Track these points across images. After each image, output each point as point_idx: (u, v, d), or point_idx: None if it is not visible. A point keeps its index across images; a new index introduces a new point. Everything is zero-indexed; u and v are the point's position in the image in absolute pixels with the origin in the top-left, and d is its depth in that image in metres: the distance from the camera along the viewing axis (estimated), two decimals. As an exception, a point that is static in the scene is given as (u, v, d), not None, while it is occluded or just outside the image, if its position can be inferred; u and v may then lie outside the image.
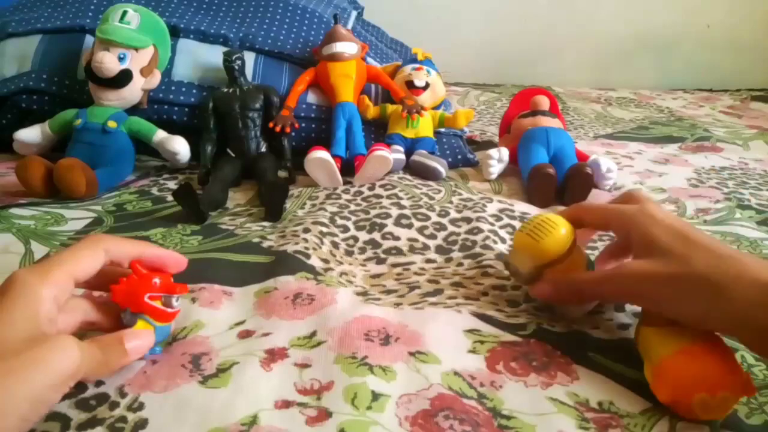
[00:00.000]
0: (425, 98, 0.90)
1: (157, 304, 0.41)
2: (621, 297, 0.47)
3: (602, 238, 0.66)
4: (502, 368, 0.41)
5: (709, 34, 1.82)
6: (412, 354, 0.42)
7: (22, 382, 0.31)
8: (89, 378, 0.38)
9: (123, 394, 0.38)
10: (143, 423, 0.35)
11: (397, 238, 0.63)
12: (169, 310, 0.42)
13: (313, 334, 0.44)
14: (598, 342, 0.46)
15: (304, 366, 0.41)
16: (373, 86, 0.94)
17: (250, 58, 0.89)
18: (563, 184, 0.75)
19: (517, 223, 0.67)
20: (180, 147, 0.80)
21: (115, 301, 0.41)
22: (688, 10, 1.80)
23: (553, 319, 0.49)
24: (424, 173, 0.82)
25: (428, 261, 0.60)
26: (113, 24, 0.79)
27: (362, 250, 0.61)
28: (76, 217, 0.67)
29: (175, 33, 0.88)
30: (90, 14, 0.90)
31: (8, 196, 0.72)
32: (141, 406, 0.36)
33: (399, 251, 0.61)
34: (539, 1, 1.78)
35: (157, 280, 0.41)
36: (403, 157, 0.83)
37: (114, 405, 0.37)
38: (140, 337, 0.39)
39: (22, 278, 0.35)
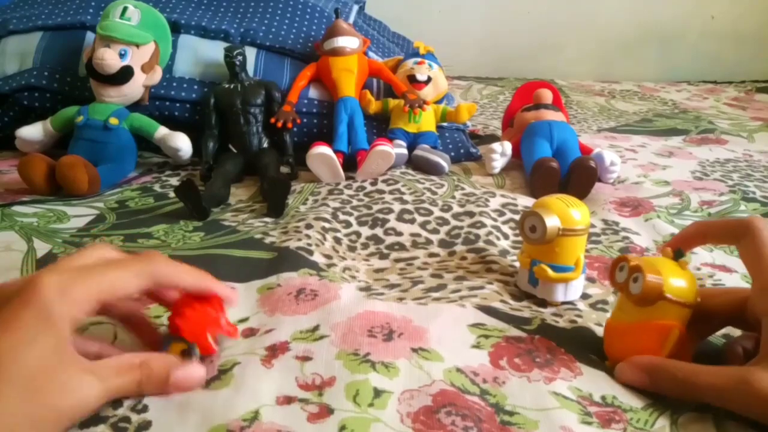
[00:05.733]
0: (427, 92, 0.89)
1: (212, 341, 0.40)
2: (747, 414, 0.36)
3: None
4: (506, 364, 0.41)
5: (714, 26, 1.81)
6: (414, 350, 0.42)
7: (34, 427, 0.31)
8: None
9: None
10: (147, 425, 0.35)
11: (400, 234, 0.63)
12: (216, 346, 0.41)
13: (316, 328, 0.44)
14: (602, 341, 0.45)
15: (306, 359, 0.41)
16: (374, 81, 0.93)
17: (251, 53, 0.89)
18: (567, 177, 0.75)
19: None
20: (182, 143, 0.80)
21: (174, 333, 0.39)
22: (692, 1, 1.78)
23: (557, 313, 0.49)
24: (427, 168, 0.81)
25: (431, 255, 0.59)
26: (114, 20, 0.79)
27: (365, 246, 0.61)
28: (79, 214, 0.67)
29: (176, 29, 0.88)
30: (91, 10, 0.90)
31: (11, 193, 0.72)
32: (145, 408, 0.36)
33: (402, 246, 0.61)
34: (542, -7, 1.77)
35: (223, 321, 0.40)
36: (405, 151, 0.83)
37: (117, 404, 0.36)
38: (189, 374, 0.37)
39: (43, 293, 0.32)
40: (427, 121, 0.87)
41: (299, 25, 0.94)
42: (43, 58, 0.87)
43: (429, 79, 0.89)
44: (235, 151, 0.81)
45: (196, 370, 0.38)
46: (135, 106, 0.82)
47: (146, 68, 0.81)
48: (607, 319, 0.44)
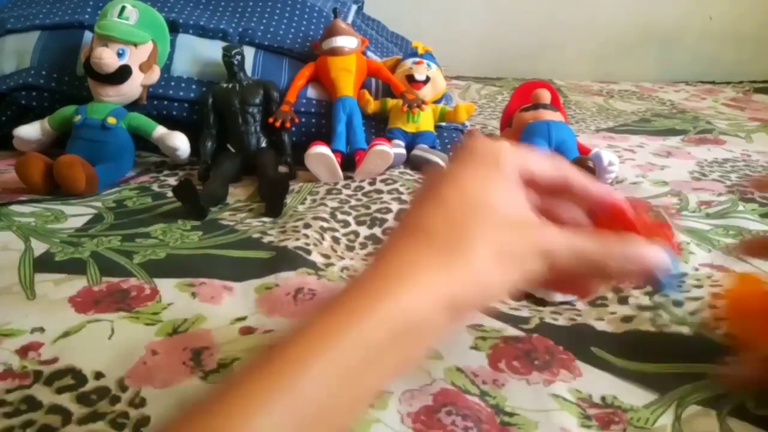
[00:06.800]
0: (426, 92, 0.89)
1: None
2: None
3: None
4: (504, 366, 0.41)
5: (712, 26, 1.81)
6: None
7: (518, 244, 0.29)
8: (580, 271, 0.31)
9: (124, 388, 0.37)
10: (145, 421, 0.35)
11: (399, 233, 0.63)
12: (667, 226, 0.36)
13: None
14: (603, 335, 0.45)
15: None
16: (373, 80, 0.93)
17: (249, 53, 0.89)
18: (565, 177, 0.75)
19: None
20: (180, 143, 0.80)
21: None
22: (690, 2, 1.79)
23: (556, 311, 0.49)
24: (425, 168, 0.81)
25: (430, 256, 0.59)
26: (112, 19, 0.79)
27: (363, 245, 0.61)
28: (76, 214, 0.67)
29: (174, 28, 0.88)
30: (89, 10, 0.90)
31: (8, 193, 0.72)
32: (143, 402, 0.36)
33: (400, 246, 0.61)
34: (540, -7, 1.77)
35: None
36: (403, 151, 0.83)
37: (115, 399, 0.37)
38: (650, 244, 0.32)
39: (483, 143, 0.32)
40: (425, 120, 0.87)
41: (298, 25, 0.94)
42: (41, 57, 0.86)
43: (427, 79, 0.89)
44: (233, 150, 0.81)
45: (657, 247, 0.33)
46: (133, 106, 0.82)
47: (144, 67, 0.80)
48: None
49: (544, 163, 0.33)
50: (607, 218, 0.35)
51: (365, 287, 0.26)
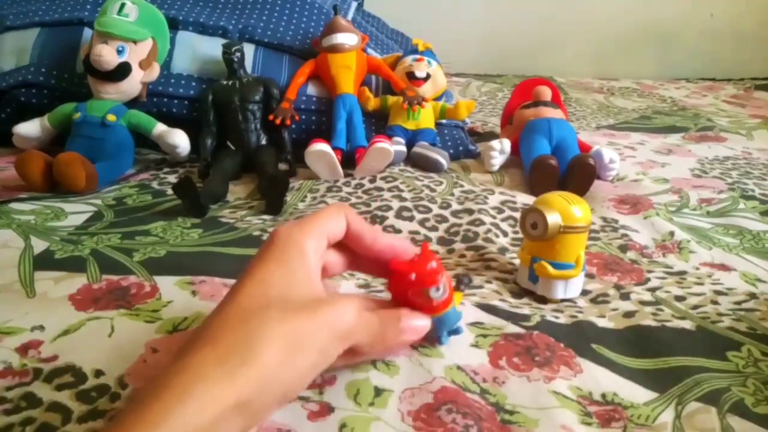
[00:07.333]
0: (426, 89, 0.89)
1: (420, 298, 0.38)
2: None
3: (604, 229, 0.66)
4: (505, 364, 0.41)
5: (713, 24, 1.81)
6: (414, 348, 0.42)
7: (311, 332, 0.31)
8: (364, 350, 0.35)
9: (124, 386, 0.37)
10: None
11: (399, 231, 0.63)
12: (434, 302, 0.38)
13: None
14: (604, 332, 0.45)
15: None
16: (373, 77, 0.93)
17: (249, 50, 0.89)
18: (565, 175, 0.75)
19: (518, 215, 0.67)
20: (180, 140, 0.80)
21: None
22: (691, 0, 1.78)
23: (557, 309, 0.49)
24: (426, 165, 0.81)
25: (430, 253, 0.59)
26: (111, 16, 0.79)
27: (364, 243, 0.61)
28: (76, 211, 0.66)
29: (174, 25, 0.88)
30: (88, 7, 0.90)
31: (8, 190, 0.72)
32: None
33: (400, 244, 0.61)
34: (541, -10, 1.77)
35: (413, 276, 0.37)
36: (404, 149, 0.83)
37: (115, 397, 0.36)
38: (417, 318, 0.38)
39: (287, 232, 0.34)
40: (425, 118, 0.87)
41: (298, 22, 0.94)
42: (41, 54, 0.86)
43: (428, 76, 0.89)
44: (233, 148, 0.81)
45: (407, 313, 0.37)
46: (133, 103, 0.82)
47: (144, 65, 0.80)
48: None
49: (335, 228, 0.37)
50: (392, 275, 0.38)
51: (151, 405, 0.26)
